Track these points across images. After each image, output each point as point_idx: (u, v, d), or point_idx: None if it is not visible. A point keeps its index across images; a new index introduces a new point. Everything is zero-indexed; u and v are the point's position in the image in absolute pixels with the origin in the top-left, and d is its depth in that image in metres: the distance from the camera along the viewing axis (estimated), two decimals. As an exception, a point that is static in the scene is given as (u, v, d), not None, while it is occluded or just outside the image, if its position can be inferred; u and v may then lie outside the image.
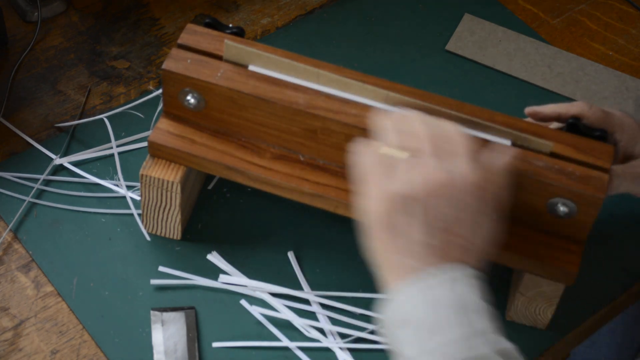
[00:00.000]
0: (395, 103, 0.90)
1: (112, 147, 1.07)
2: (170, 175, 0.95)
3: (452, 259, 0.75)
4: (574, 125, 0.92)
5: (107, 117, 1.07)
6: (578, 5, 1.30)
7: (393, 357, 0.75)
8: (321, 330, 0.96)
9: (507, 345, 0.73)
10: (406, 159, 0.78)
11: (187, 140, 0.95)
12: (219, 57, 0.93)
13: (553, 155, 0.89)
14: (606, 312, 1.02)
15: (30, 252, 1.00)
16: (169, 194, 0.96)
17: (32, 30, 1.19)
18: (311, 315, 0.97)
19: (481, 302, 0.74)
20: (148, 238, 1.01)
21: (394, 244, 0.76)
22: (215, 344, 0.94)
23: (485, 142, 0.89)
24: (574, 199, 0.88)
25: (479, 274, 0.76)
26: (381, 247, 0.77)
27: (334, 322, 0.97)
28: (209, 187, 1.06)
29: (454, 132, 0.80)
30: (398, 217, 0.76)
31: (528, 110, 0.97)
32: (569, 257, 0.91)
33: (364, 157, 0.80)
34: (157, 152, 0.95)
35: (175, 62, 0.92)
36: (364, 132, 0.90)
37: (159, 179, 0.95)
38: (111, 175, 1.06)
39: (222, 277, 0.98)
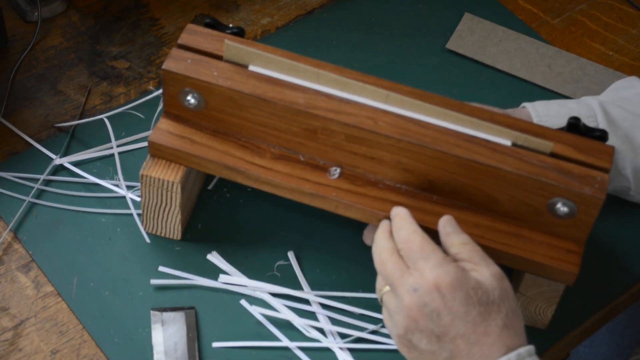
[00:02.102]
0: (396, 103, 0.91)
1: (112, 147, 1.07)
2: (170, 175, 0.95)
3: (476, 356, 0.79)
4: (574, 125, 0.92)
5: (107, 117, 1.07)
6: (578, 5, 1.30)
7: None
8: (321, 330, 0.96)
9: None
10: (389, 296, 0.83)
11: (187, 140, 0.95)
12: (219, 57, 0.93)
13: (553, 155, 0.89)
14: (606, 312, 1.02)
15: (30, 252, 1.00)
16: (169, 194, 0.96)
17: (32, 30, 1.19)
18: (311, 315, 0.97)
19: None
20: (147, 240, 1.01)
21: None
22: (215, 344, 0.94)
23: (485, 143, 0.89)
24: (574, 199, 0.88)
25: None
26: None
27: (334, 322, 0.97)
28: (209, 187, 1.06)
29: (414, 240, 0.83)
30: (408, 348, 0.82)
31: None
32: (569, 257, 0.90)
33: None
34: (157, 152, 0.95)
35: (175, 62, 0.92)
36: (364, 132, 0.90)
37: (159, 179, 0.95)
38: (111, 175, 1.06)
39: (222, 277, 0.98)
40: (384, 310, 0.85)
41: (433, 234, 0.92)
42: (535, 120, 1.02)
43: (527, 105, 1.04)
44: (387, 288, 0.83)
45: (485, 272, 0.81)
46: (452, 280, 0.79)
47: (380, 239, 0.86)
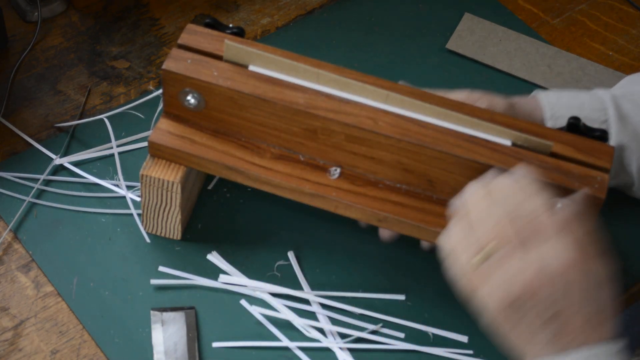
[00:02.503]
0: (396, 103, 0.91)
1: (112, 147, 1.07)
2: (170, 175, 0.95)
3: (576, 342, 0.76)
4: (574, 125, 0.92)
5: (107, 117, 1.07)
6: (578, 5, 1.30)
7: None
8: (321, 330, 0.96)
9: None
10: (496, 257, 0.78)
11: (187, 140, 0.95)
12: (219, 57, 0.93)
13: (553, 155, 0.89)
14: (606, 312, 1.02)
15: (30, 252, 1.00)
16: (169, 194, 0.96)
17: (32, 30, 1.19)
18: (311, 315, 0.97)
19: None
20: (148, 240, 1.01)
21: (517, 335, 0.78)
22: (215, 344, 0.94)
23: (485, 143, 0.89)
24: (574, 199, 0.88)
25: (608, 350, 0.77)
26: (506, 335, 0.79)
27: (334, 322, 0.97)
28: (209, 187, 1.06)
29: (530, 209, 0.79)
30: (509, 316, 0.77)
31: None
32: None
33: (459, 265, 0.81)
34: (157, 152, 0.95)
35: (175, 62, 0.92)
36: (364, 132, 0.90)
37: (159, 179, 0.95)
38: (111, 175, 1.06)
39: (222, 277, 0.98)
40: (483, 266, 0.79)
41: (433, 235, 0.92)
42: (547, 109, 1.01)
43: (539, 94, 1.02)
44: (503, 244, 0.79)
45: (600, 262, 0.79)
46: (585, 268, 0.77)
47: (535, 194, 0.81)
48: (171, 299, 0.97)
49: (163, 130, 0.95)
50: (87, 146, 1.08)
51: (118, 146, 1.07)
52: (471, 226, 0.81)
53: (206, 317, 0.96)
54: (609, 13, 1.29)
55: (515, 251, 0.78)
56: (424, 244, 0.97)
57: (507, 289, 0.77)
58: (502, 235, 0.78)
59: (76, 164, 1.06)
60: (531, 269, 0.76)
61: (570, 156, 0.89)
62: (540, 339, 0.77)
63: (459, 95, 0.98)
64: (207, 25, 0.96)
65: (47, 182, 1.05)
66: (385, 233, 0.96)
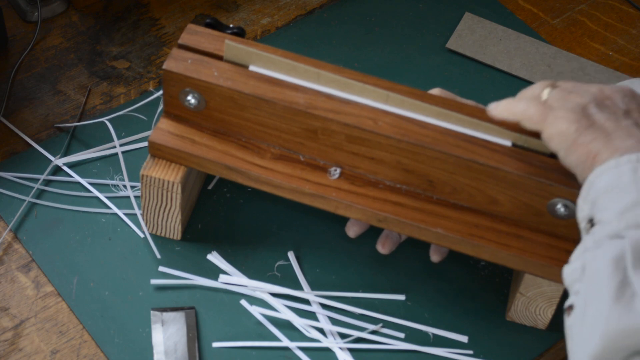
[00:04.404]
0: (396, 103, 0.91)
1: (112, 147, 1.07)
2: (170, 175, 0.95)
3: None
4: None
5: (108, 118, 1.07)
6: (578, 5, 1.30)
7: (587, 229, 0.77)
8: (321, 330, 0.96)
9: None
10: (553, 90, 0.84)
11: (187, 141, 0.95)
12: (219, 58, 0.93)
13: (553, 156, 0.89)
14: (606, 312, 1.02)
15: (30, 252, 1.00)
16: (169, 194, 0.96)
17: (32, 30, 1.19)
18: (311, 315, 0.97)
19: None
20: (149, 239, 1.01)
21: (600, 134, 0.79)
22: (215, 344, 0.94)
23: (485, 143, 0.89)
24: (574, 199, 0.88)
25: None
26: (584, 139, 0.80)
27: (334, 322, 0.97)
28: (209, 187, 1.06)
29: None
30: (579, 120, 0.80)
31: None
32: (569, 258, 0.90)
33: (530, 101, 0.85)
34: (157, 152, 0.95)
35: (175, 62, 0.92)
36: (364, 132, 0.90)
37: (159, 179, 0.95)
38: (111, 175, 1.06)
39: (222, 277, 0.99)
40: (555, 92, 0.84)
41: (433, 236, 0.92)
42: None
43: None
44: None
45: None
46: None
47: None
48: (171, 299, 0.97)
49: (163, 130, 0.95)
50: (87, 146, 1.08)
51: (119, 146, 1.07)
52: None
53: (206, 317, 0.96)
54: (609, 13, 1.29)
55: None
56: (434, 257, 0.97)
57: (586, 95, 0.82)
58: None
59: (76, 164, 1.06)
60: (597, 86, 0.83)
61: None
62: (618, 135, 0.78)
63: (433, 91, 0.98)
64: (208, 25, 0.96)
65: (47, 182, 1.05)
66: (351, 231, 0.98)
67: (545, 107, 0.83)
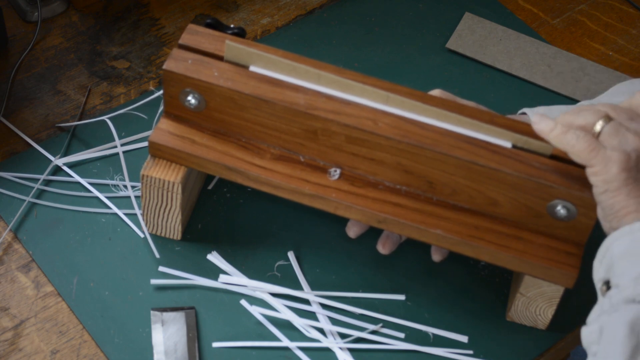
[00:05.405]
0: (396, 104, 0.91)
1: (112, 147, 1.07)
2: (170, 175, 0.95)
3: None
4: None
5: (108, 117, 1.07)
6: (578, 5, 1.30)
7: (603, 293, 0.80)
8: (321, 330, 0.96)
9: None
10: (607, 124, 0.82)
11: (187, 141, 0.95)
12: (219, 58, 0.93)
13: (553, 157, 0.89)
14: (606, 313, 1.02)
15: (30, 252, 1.00)
16: (169, 194, 0.96)
17: (32, 30, 1.19)
18: (311, 315, 0.97)
19: None
20: (149, 239, 1.01)
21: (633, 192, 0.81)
22: (215, 344, 0.95)
23: (486, 144, 0.89)
24: (574, 201, 0.88)
25: None
26: (623, 194, 0.81)
27: (334, 322, 0.97)
28: (209, 187, 1.06)
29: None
30: (627, 177, 0.80)
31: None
32: (569, 260, 0.91)
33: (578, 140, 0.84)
34: (157, 152, 0.95)
35: (176, 62, 0.92)
36: (364, 133, 0.90)
37: (159, 179, 0.95)
38: (111, 175, 1.06)
39: (222, 277, 0.99)
40: (609, 127, 0.82)
41: (432, 237, 0.92)
42: None
43: (527, 111, 1.03)
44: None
45: None
46: None
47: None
48: (171, 299, 0.97)
49: (163, 130, 0.95)
50: (87, 146, 1.08)
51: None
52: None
53: (206, 317, 0.96)
54: (609, 13, 1.29)
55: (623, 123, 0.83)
56: (435, 257, 0.98)
57: (635, 146, 0.81)
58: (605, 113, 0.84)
59: (76, 164, 1.06)
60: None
61: (569, 158, 0.89)
62: None
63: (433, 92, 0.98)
64: (208, 26, 0.96)
65: (47, 182, 1.05)
66: (350, 231, 0.98)
67: (597, 144, 0.82)
